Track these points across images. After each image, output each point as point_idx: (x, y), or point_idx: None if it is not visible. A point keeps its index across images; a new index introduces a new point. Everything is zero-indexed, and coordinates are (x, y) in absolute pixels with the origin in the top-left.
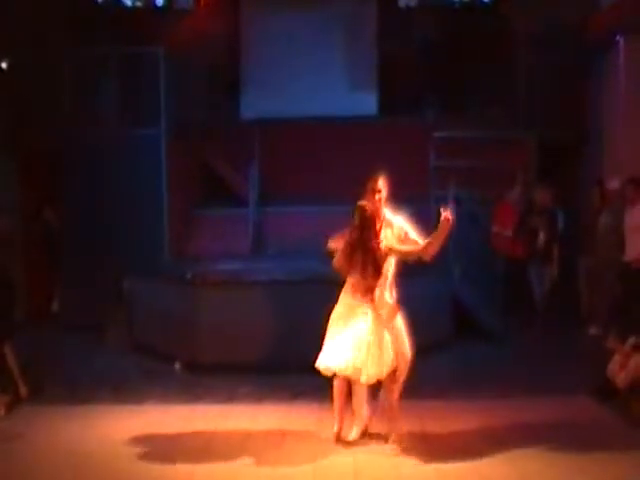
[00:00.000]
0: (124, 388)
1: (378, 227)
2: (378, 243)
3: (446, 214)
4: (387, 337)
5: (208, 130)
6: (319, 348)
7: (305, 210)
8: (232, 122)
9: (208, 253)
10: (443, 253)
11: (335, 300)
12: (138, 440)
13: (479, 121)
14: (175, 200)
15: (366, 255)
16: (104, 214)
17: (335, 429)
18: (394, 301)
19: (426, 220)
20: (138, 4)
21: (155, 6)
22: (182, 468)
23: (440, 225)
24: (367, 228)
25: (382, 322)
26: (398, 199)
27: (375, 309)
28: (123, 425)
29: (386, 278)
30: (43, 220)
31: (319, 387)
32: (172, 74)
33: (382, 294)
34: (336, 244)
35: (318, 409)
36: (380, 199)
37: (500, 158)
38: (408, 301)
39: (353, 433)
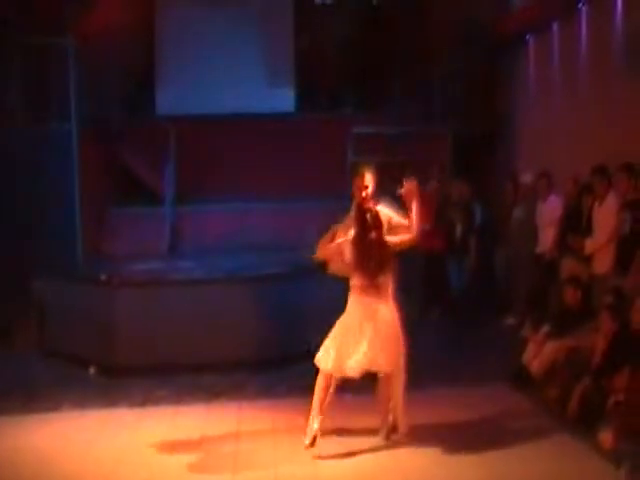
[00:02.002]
0: (35, 395)
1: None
2: (386, 241)
3: (407, 185)
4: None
5: (122, 126)
6: (238, 346)
7: (223, 208)
8: (147, 118)
9: (124, 253)
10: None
11: (252, 297)
12: (50, 449)
13: (396, 117)
14: (88, 198)
15: (381, 255)
16: (11, 214)
17: (315, 426)
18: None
19: (344, 215)
20: None
21: None
22: (98, 476)
23: (407, 198)
24: (379, 227)
25: (394, 315)
26: (316, 195)
27: (388, 304)
28: (34, 434)
29: (392, 275)
30: None
31: (237, 387)
32: (83, 68)
33: (388, 292)
34: (329, 248)
35: (237, 409)
36: (367, 195)
37: (417, 153)
38: (318, 298)
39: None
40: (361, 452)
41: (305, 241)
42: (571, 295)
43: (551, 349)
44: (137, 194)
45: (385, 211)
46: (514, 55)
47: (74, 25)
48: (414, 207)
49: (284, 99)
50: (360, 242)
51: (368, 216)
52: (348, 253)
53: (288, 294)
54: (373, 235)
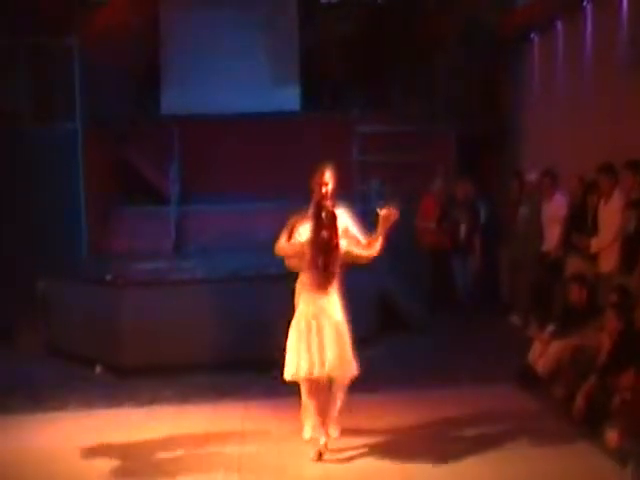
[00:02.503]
0: (41, 395)
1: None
2: (338, 240)
3: (389, 210)
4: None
5: (127, 126)
6: (244, 346)
7: (227, 207)
8: (152, 118)
9: (129, 252)
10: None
11: (259, 297)
12: (57, 449)
13: (401, 116)
14: (93, 198)
15: (331, 254)
16: (16, 213)
17: (323, 440)
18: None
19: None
20: None
21: None
22: (103, 476)
23: (381, 222)
24: (333, 227)
25: (337, 320)
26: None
27: (336, 303)
28: (41, 434)
29: (339, 276)
30: None
31: (243, 386)
32: (88, 68)
33: (335, 292)
34: (293, 246)
35: (243, 409)
36: (327, 192)
37: (422, 152)
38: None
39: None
40: (363, 452)
41: None
42: (576, 294)
43: (556, 348)
44: (142, 193)
45: (344, 217)
46: (518, 54)
47: (79, 26)
48: (383, 232)
49: (289, 98)
50: (313, 238)
51: (324, 214)
52: (309, 251)
53: (292, 294)
54: (326, 233)
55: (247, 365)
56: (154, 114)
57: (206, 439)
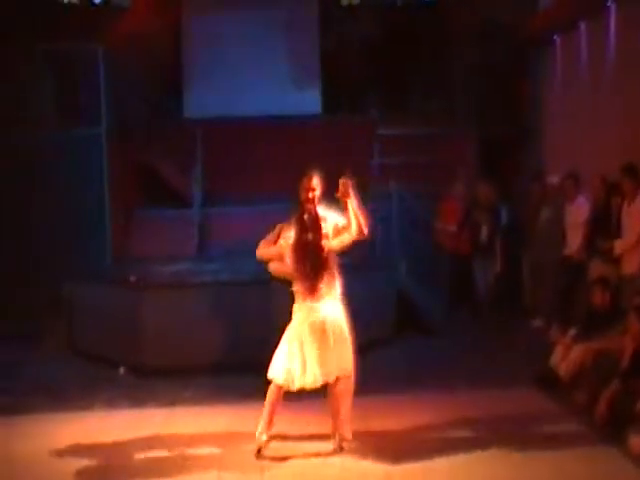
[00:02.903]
0: (65, 395)
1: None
2: (323, 244)
3: (342, 184)
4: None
5: (150, 130)
6: (265, 349)
7: (250, 210)
8: (175, 121)
9: (152, 255)
10: (388, 249)
11: (280, 300)
12: (79, 448)
13: (421, 118)
14: (117, 201)
15: (316, 257)
16: (42, 217)
17: (264, 437)
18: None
19: (371, 216)
20: (74, 0)
21: (92, 3)
22: (126, 475)
23: (342, 199)
24: (317, 229)
25: (335, 323)
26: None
27: (332, 308)
28: (64, 433)
29: (334, 278)
30: None
31: (265, 388)
32: (112, 73)
33: (331, 295)
34: (271, 250)
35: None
36: (314, 197)
37: (442, 154)
38: (352, 297)
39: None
40: (384, 453)
41: None
42: (599, 297)
43: (579, 352)
44: (165, 196)
45: (332, 216)
46: (541, 55)
47: (103, 31)
48: (350, 206)
49: (310, 101)
50: (297, 244)
51: (306, 218)
52: (288, 256)
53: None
54: (309, 238)
55: (268, 367)
56: (177, 118)
57: (228, 439)
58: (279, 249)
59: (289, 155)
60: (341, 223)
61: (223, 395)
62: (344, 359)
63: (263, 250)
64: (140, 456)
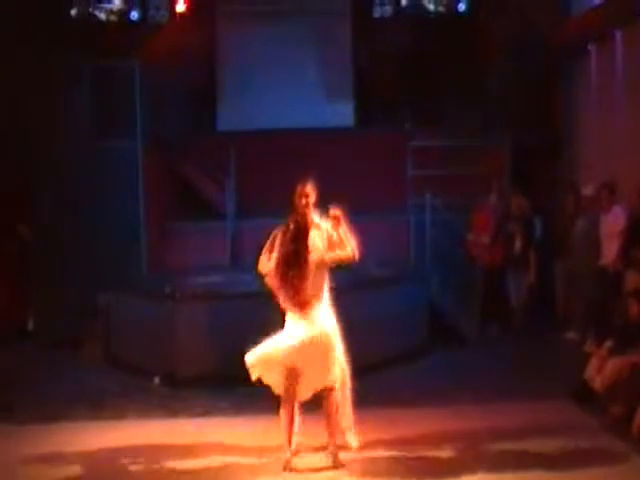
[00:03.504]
0: (101, 404)
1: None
2: (309, 255)
3: (332, 213)
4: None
5: (184, 143)
6: None
7: (282, 222)
8: (208, 135)
9: (186, 266)
10: (421, 260)
11: None
12: (113, 457)
13: (455, 129)
14: (152, 214)
15: (302, 268)
16: (79, 229)
17: (288, 454)
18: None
19: (405, 229)
20: (112, 18)
21: (130, 20)
22: None
23: (333, 227)
24: (302, 239)
25: (322, 337)
26: (377, 209)
27: (317, 318)
28: (99, 442)
29: (321, 290)
30: (17, 236)
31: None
32: (148, 87)
33: (320, 308)
34: (270, 263)
35: (299, 421)
36: (308, 204)
37: (476, 165)
38: (385, 309)
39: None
40: (416, 465)
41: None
42: (636, 309)
43: (615, 364)
44: (199, 209)
45: (327, 226)
46: (575, 64)
47: (140, 47)
48: (342, 235)
49: (343, 114)
50: (282, 255)
51: (292, 227)
52: (278, 267)
53: (349, 306)
54: (294, 248)
55: None
56: (211, 131)
57: (261, 450)
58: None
59: (322, 168)
60: (335, 237)
61: (257, 405)
62: (328, 372)
63: (263, 265)
64: (173, 466)
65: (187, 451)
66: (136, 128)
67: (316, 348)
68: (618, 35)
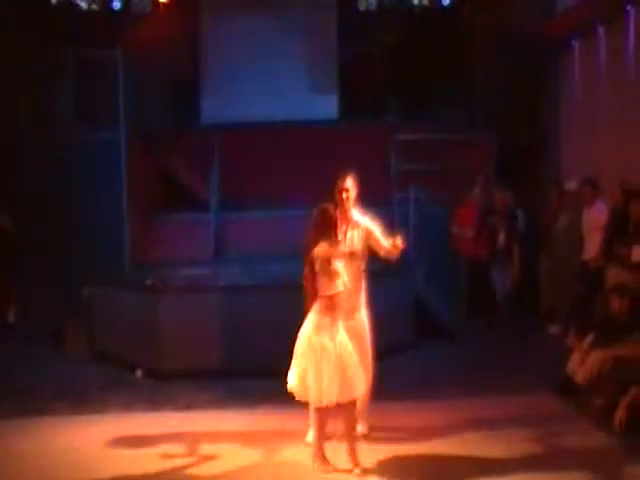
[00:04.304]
0: (84, 398)
1: (344, 229)
2: (348, 251)
3: (398, 243)
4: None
5: (168, 135)
6: (283, 353)
7: (266, 215)
8: (192, 126)
9: (169, 259)
10: (406, 255)
11: (296, 305)
12: (96, 450)
13: (439, 124)
14: (135, 205)
15: (327, 263)
16: (62, 221)
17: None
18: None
19: (389, 223)
20: (94, 7)
21: (112, 9)
22: (143, 478)
23: (391, 248)
24: (327, 233)
25: (354, 337)
26: (360, 202)
27: (356, 317)
28: (82, 436)
29: (360, 286)
30: None
31: (282, 392)
32: (131, 78)
33: (355, 305)
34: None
35: (282, 414)
36: (348, 198)
37: (460, 160)
38: (369, 304)
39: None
40: (397, 457)
41: None
42: (617, 303)
43: (597, 358)
44: (182, 201)
45: (367, 222)
46: (559, 60)
47: (123, 38)
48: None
49: (327, 106)
50: (320, 254)
51: (330, 224)
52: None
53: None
54: (339, 241)
55: (285, 371)
56: (194, 124)
57: (244, 444)
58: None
59: (307, 161)
60: (375, 232)
61: (240, 398)
62: (350, 384)
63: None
64: (156, 459)
65: (170, 444)
66: (118, 119)
67: (340, 356)
68: (601, 31)
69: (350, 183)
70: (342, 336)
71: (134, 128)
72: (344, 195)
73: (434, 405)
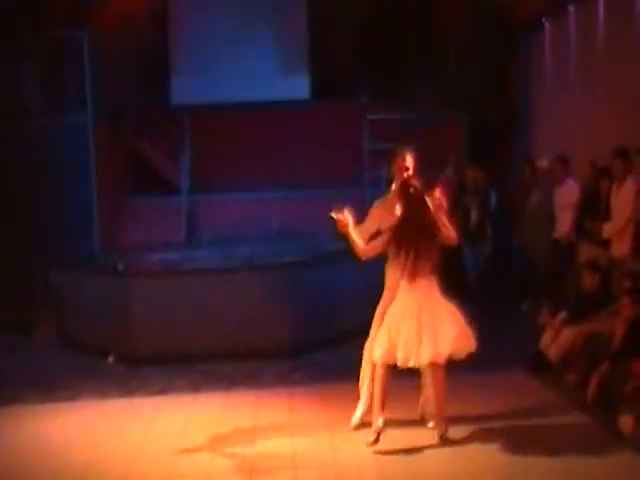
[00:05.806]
0: (55, 385)
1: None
2: (433, 221)
3: (436, 194)
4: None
5: (138, 116)
6: (256, 335)
7: (239, 196)
8: (163, 108)
9: (140, 243)
10: None
11: (270, 285)
12: (69, 438)
13: (412, 103)
14: (105, 189)
15: (425, 235)
16: (29, 205)
17: (380, 423)
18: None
19: (361, 203)
20: None
21: None
22: (117, 465)
23: (435, 208)
24: (420, 206)
25: (437, 303)
26: (333, 182)
27: (432, 291)
28: (54, 424)
29: (436, 260)
30: None
31: (255, 375)
32: (98, 59)
33: (431, 278)
34: (372, 246)
35: (254, 397)
36: (409, 177)
37: (432, 139)
38: (341, 283)
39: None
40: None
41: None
42: (589, 280)
43: (569, 334)
44: (153, 183)
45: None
46: (530, 40)
47: (89, 17)
48: (442, 219)
49: (299, 86)
50: (405, 224)
51: (412, 191)
52: (385, 241)
53: (305, 282)
54: (418, 214)
55: (259, 354)
56: (165, 104)
57: (218, 427)
58: (384, 243)
59: (277, 141)
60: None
61: (214, 383)
62: (438, 344)
63: (369, 250)
64: (130, 446)
65: (144, 430)
66: (86, 101)
67: (422, 319)
68: (571, 9)
69: (409, 160)
70: (432, 301)
71: (102, 109)
72: (405, 173)
73: (407, 384)
